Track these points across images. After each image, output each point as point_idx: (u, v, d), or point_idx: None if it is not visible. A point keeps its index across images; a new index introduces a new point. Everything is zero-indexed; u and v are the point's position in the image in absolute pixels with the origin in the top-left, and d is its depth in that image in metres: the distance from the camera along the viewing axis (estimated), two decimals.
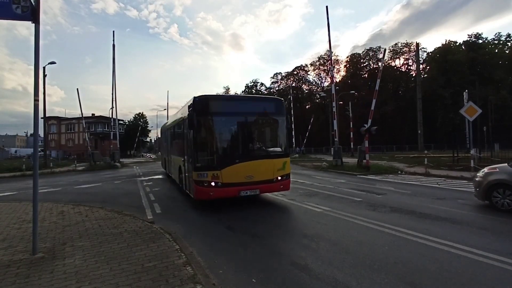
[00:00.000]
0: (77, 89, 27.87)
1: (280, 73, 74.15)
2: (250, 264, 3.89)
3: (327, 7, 18.75)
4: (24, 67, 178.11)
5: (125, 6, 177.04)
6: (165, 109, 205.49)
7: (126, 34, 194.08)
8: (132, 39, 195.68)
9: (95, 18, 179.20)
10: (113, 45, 29.06)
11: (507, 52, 54.77)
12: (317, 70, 74.12)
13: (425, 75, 59.52)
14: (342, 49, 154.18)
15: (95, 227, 5.46)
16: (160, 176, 15.90)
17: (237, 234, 5.26)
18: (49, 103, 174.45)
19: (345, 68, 71.63)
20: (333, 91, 19.68)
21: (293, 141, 42.95)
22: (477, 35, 55.10)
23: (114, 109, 29.28)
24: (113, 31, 29.70)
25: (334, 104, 19.54)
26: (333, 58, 72.07)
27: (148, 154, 66.68)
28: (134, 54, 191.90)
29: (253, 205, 7.69)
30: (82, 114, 30.02)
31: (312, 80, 75.42)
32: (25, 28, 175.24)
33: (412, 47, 62.55)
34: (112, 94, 28.75)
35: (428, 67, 62.29)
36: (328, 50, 76.35)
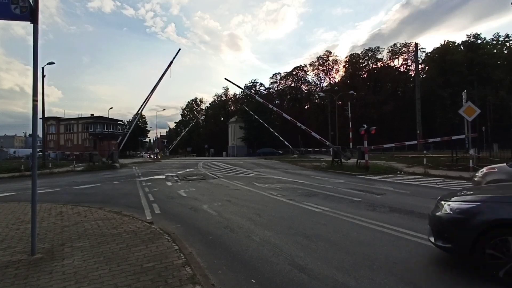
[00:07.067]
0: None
1: (279, 73, 74.33)
2: (250, 265, 3.89)
3: (226, 78, 18.68)
4: (21, 67, 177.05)
5: (122, 4, 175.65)
6: (164, 109, 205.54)
7: (123, 34, 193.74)
8: (129, 38, 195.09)
9: (92, 17, 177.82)
10: (171, 62, 28.74)
11: (505, 52, 54.99)
12: (316, 71, 74.24)
13: (424, 75, 59.75)
14: (341, 49, 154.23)
15: (94, 227, 5.45)
16: (160, 177, 15.88)
17: (236, 234, 5.26)
18: (47, 103, 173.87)
19: (344, 69, 71.82)
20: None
21: (287, 143, 43.06)
22: (476, 35, 55.33)
23: (139, 114, 29.75)
24: (179, 49, 30.04)
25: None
26: (331, 58, 72.79)
27: (155, 152, 64.22)
28: (131, 54, 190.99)
29: (251, 205, 7.69)
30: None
31: (311, 81, 75.59)
32: (21, 27, 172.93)
33: (411, 47, 62.77)
34: (144, 103, 28.77)
35: (427, 67, 62.53)
36: (327, 51, 76.16)
